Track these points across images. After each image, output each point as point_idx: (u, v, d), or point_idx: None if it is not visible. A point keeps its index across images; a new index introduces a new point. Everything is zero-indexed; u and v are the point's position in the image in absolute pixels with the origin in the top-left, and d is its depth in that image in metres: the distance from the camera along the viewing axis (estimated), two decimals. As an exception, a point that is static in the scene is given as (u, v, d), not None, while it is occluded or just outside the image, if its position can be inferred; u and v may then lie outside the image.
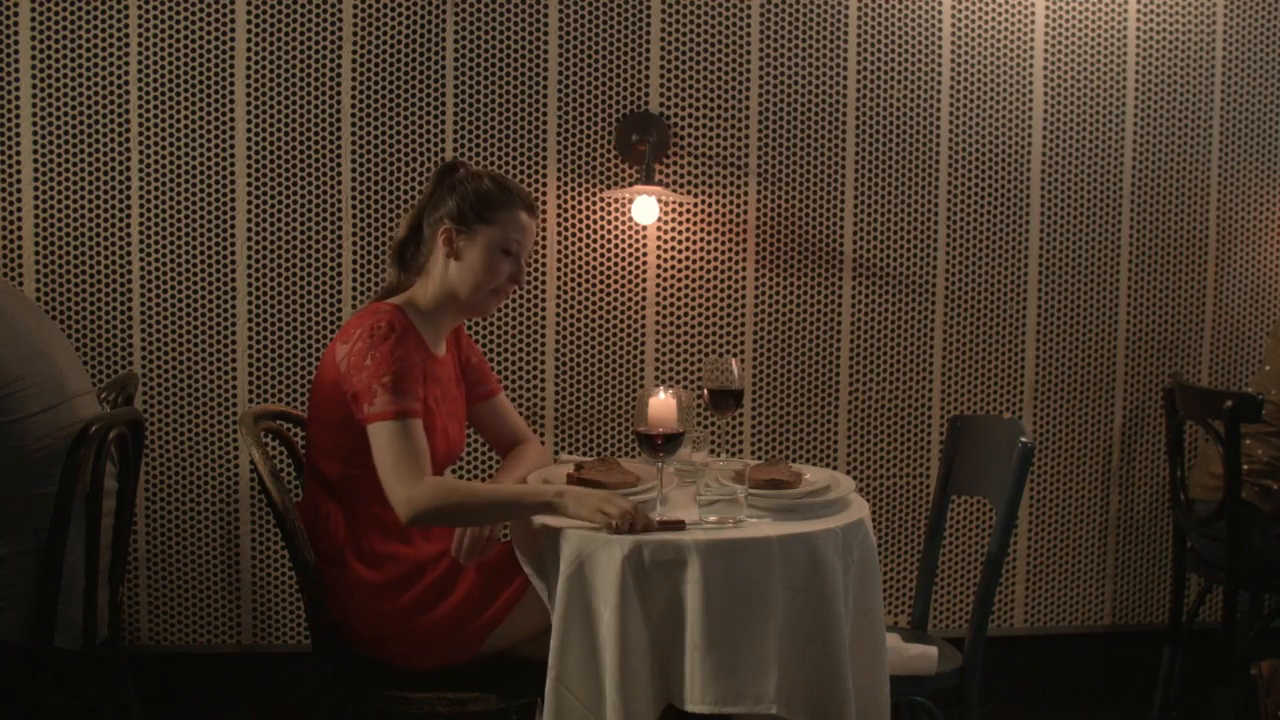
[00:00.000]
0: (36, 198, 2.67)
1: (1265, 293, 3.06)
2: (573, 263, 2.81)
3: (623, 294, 2.84)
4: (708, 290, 2.86)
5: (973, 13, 2.90)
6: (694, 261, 2.85)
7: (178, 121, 2.69)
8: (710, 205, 2.85)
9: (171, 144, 2.69)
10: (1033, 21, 2.92)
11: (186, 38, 2.68)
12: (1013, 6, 2.91)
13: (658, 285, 2.85)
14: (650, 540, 1.67)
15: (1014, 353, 2.98)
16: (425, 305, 1.99)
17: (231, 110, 2.70)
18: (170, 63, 2.68)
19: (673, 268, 2.85)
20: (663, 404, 1.79)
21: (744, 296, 2.88)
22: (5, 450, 1.78)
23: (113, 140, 2.68)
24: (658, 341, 2.86)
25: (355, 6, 2.72)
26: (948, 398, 2.96)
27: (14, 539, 1.79)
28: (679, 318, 2.86)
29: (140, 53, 2.67)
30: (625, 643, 1.65)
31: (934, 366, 2.95)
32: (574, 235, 2.80)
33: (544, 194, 2.79)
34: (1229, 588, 2.55)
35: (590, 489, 1.81)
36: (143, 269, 2.71)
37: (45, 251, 2.68)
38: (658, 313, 2.85)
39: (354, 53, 2.73)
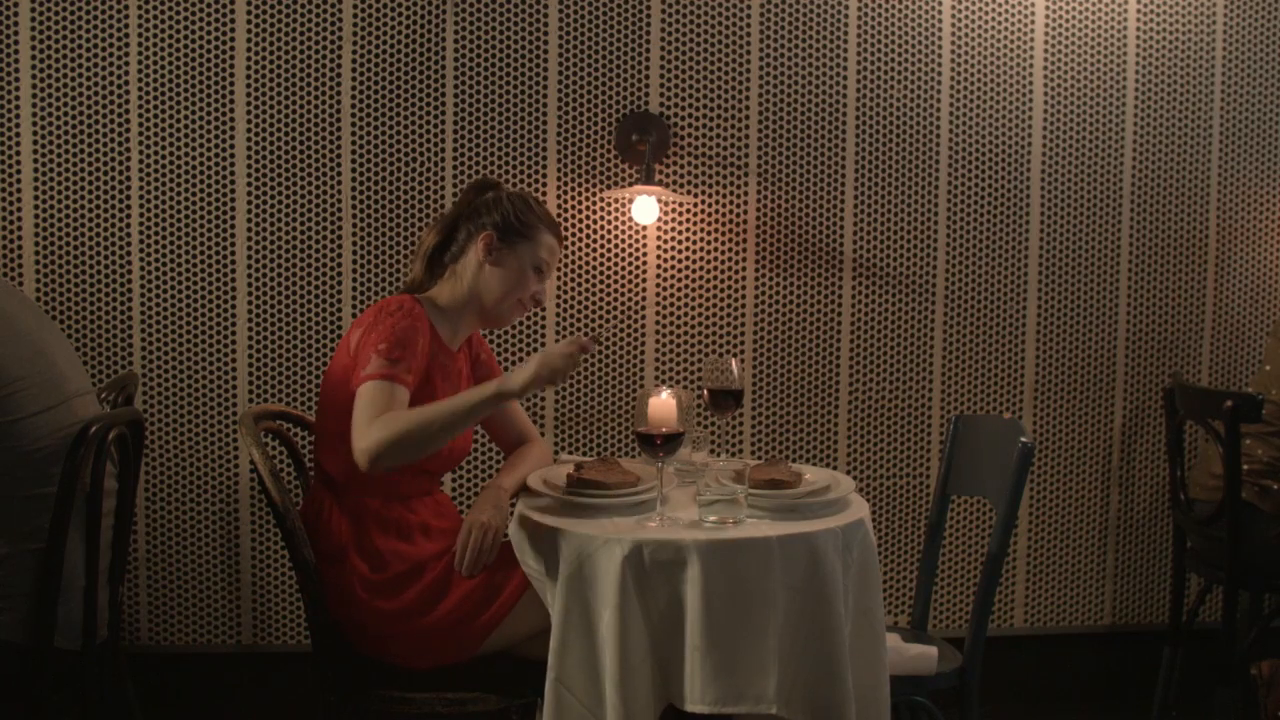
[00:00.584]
0: (36, 198, 2.67)
1: (1265, 293, 3.06)
2: (573, 263, 2.81)
3: (623, 294, 2.84)
4: (708, 290, 2.86)
5: (973, 13, 2.90)
6: (694, 261, 2.86)
7: (178, 121, 2.69)
8: (710, 205, 2.85)
9: (171, 144, 2.69)
10: (1033, 21, 2.92)
11: (186, 38, 2.68)
12: (1013, 6, 2.91)
13: (658, 285, 2.85)
14: (650, 540, 1.67)
15: (1014, 353, 2.98)
16: (445, 303, 2.05)
17: (231, 110, 2.70)
18: (170, 63, 2.68)
19: (673, 268, 2.85)
20: (663, 404, 1.79)
21: (744, 296, 2.88)
22: (5, 450, 1.78)
23: (113, 140, 2.68)
24: (658, 341, 2.86)
25: (355, 6, 2.72)
26: (948, 398, 2.96)
27: (14, 539, 1.79)
28: (679, 318, 2.86)
29: (140, 53, 2.67)
30: (625, 643, 1.65)
31: (934, 366, 2.95)
32: (574, 235, 2.80)
33: (544, 194, 2.79)
34: (1229, 588, 2.55)
35: (532, 357, 1.83)
36: (143, 269, 2.71)
37: (45, 251, 2.68)
38: (658, 313, 2.85)
39: (354, 53, 2.73)
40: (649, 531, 1.71)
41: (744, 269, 2.87)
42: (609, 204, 2.81)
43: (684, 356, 2.86)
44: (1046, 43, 2.93)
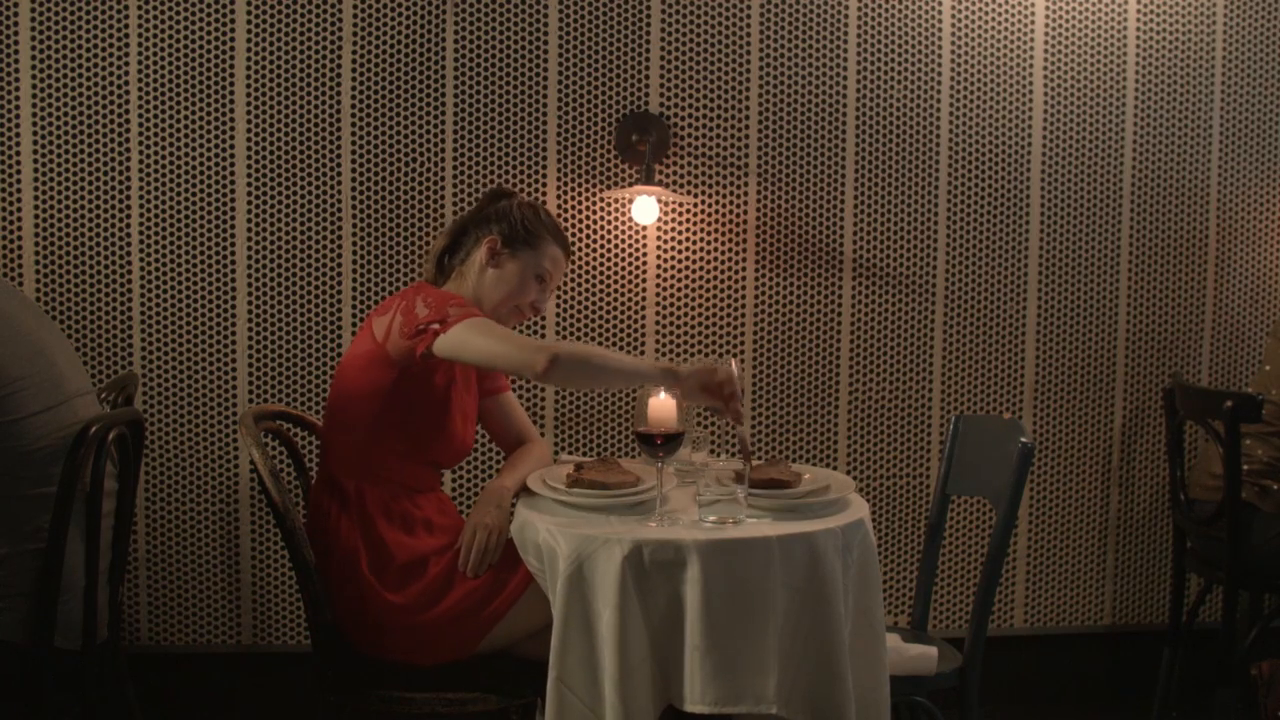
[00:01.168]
0: (36, 198, 2.67)
1: (1265, 293, 3.06)
2: (573, 263, 2.81)
3: (623, 294, 2.84)
4: (708, 290, 2.86)
5: (973, 13, 2.90)
6: (694, 261, 2.86)
7: (178, 121, 2.69)
8: (710, 205, 2.85)
9: (171, 144, 2.69)
10: (1033, 21, 2.92)
11: (186, 38, 2.68)
12: (1013, 6, 2.91)
13: (658, 285, 2.85)
14: (650, 540, 1.67)
15: (1014, 353, 2.98)
16: None
17: (231, 110, 2.70)
18: (170, 63, 2.68)
19: (673, 268, 2.85)
20: (663, 404, 1.79)
21: (744, 296, 2.88)
22: (5, 450, 1.78)
23: (113, 140, 2.68)
24: (658, 341, 2.86)
25: (355, 6, 2.72)
26: (948, 398, 2.96)
27: (14, 539, 1.79)
28: (679, 318, 2.86)
29: (140, 53, 2.67)
30: (625, 643, 1.65)
31: (934, 366, 2.95)
32: (574, 235, 2.80)
33: (544, 194, 2.79)
34: (1229, 588, 2.55)
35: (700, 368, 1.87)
36: (143, 269, 2.71)
37: (45, 251, 2.68)
38: (658, 313, 2.85)
39: (354, 53, 2.73)
40: (649, 531, 1.71)
41: (744, 269, 2.87)
42: (609, 204, 2.81)
43: (684, 357, 2.86)
44: (1046, 43, 2.93)
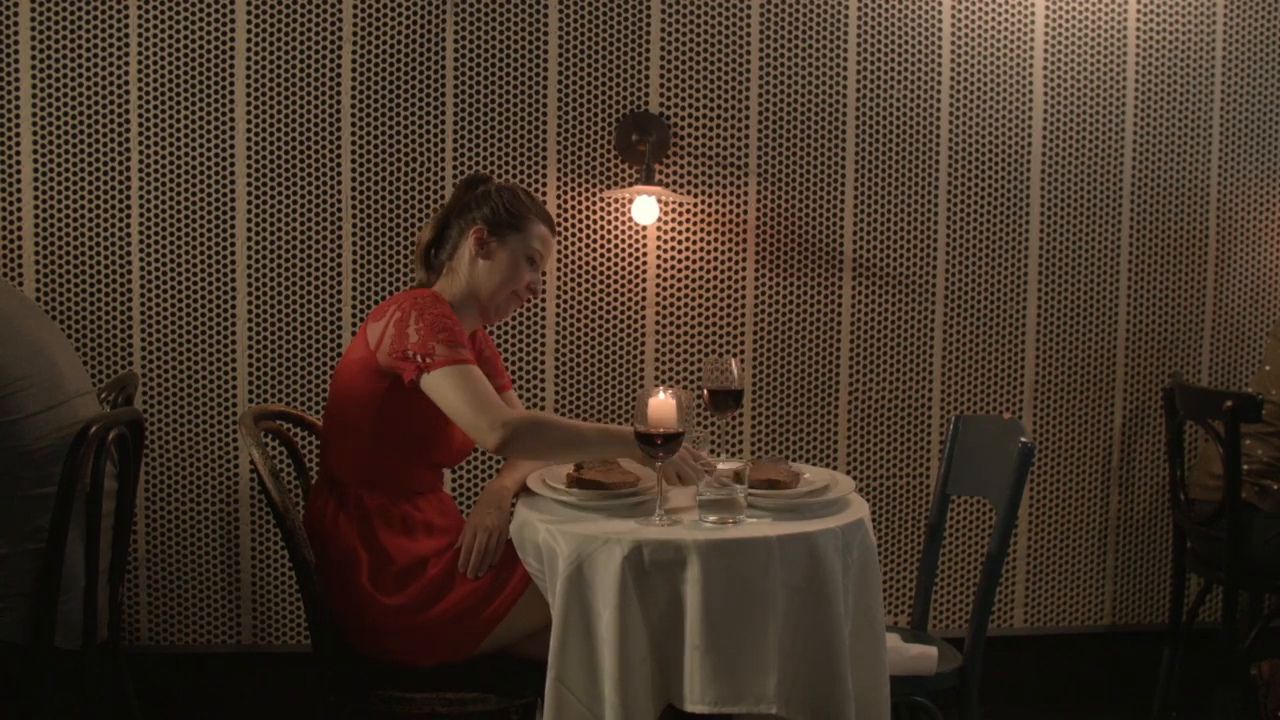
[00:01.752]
0: (36, 198, 2.67)
1: (1265, 293, 3.06)
2: (573, 263, 2.81)
3: (623, 294, 2.84)
4: (708, 290, 2.86)
5: (973, 13, 2.90)
6: (694, 261, 2.86)
7: (178, 121, 2.69)
8: (710, 205, 2.85)
9: (171, 144, 2.69)
10: (1033, 21, 2.92)
11: (186, 38, 2.68)
12: (1013, 6, 2.91)
13: (658, 285, 2.85)
14: (650, 540, 1.67)
15: (1014, 353, 2.98)
16: (449, 299, 2.06)
17: (231, 110, 2.70)
18: (170, 63, 2.68)
19: (673, 268, 2.85)
20: (662, 404, 1.79)
21: (744, 296, 2.88)
22: (5, 450, 1.78)
23: (113, 140, 2.68)
24: (658, 341, 2.86)
25: (355, 6, 2.72)
26: (948, 398, 2.96)
27: (14, 539, 1.79)
28: (679, 318, 2.86)
29: (140, 53, 2.67)
30: (625, 643, 1.65)
31: (934, 366, 2.95)
32: (574, 235, 2.80)
33: (544, 194, 2.79)
34: (1229, 588, 2.55)
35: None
36: (143, 269, 2.71)
37: (45, 251, 2.68)
38: (658, 313, 2.85)
39: (354, 53, 2.73)
40: (649, 531, 1.71)
41: (744, 269, 2.87)
42: (609, 204, 2.81)
43: (684, 356, 2.86)
44: (1046, 43, 2.93)
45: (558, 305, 2.81)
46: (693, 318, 2.86)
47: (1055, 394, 3.00)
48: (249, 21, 2.69)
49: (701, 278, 2.86)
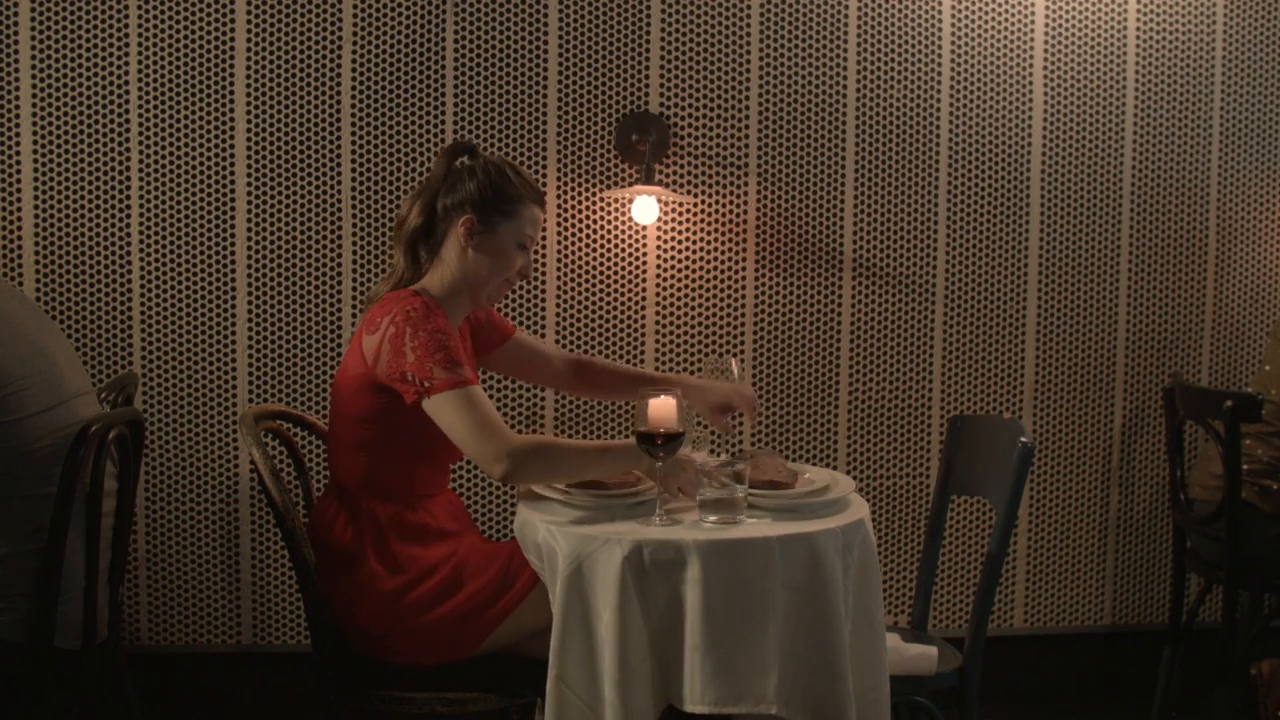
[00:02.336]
0: (36, 198, 2.67)
1: (1265, 293, 3.06)
2: (573, 263, 2.81)
3: (623, 294, 2.84)
4: (708, 290, 2.86)
5: (973, 13, 2.90)
6: (694, 261, 2.86)
7: (178, 121, 2.69)
8: (710, 205, 2.85)
9: (171, 144, 2.69)
10: (1033, 21, 2.92)
11: (186, 38, 2.68)
12: (1013, 6, 2.91)
13: (658, 285, 2.85)
14: (650, 540, 1.67)
15: (1014, 353, 2.98)
16: (439, 292, 1.99)
17: (231, 110, 2.70)
18: (170, 63, 2.68)
19: (673, 268, 2.85)
20: (663, 404, 1.79)
21: (744, 296, 2.88)
22: (5, 450, 1.78)
23: (113, 140, 2.68)
24: (658, 341, 2.86)
25: (355, 6, 2.72)
26: (948, 398, 2.96)
27: (14, 539, 1.79)
28: (679, 318, 2.86)
29: (140, 53, 2.67)
30: (625, 643, 1.65)
31: (934, 366, 2.95)
32: (574, 235, 2.80)
33: (544, 194, 2.78)
34: (1229, 588, 2.55)
35: (677, 461, 1.85)
36: (143, 269, 2.71)
37: (45, 251, 2.68)
38: (658, 313, 2.85)
39: (354, 53, 2.73)
40: (649, 531, 1.71)
41: (744, 269, 2.87)
42: (609, 204, 2.81)
43: (684, 356, 2.86)
44: (1046, 43, 2.93)
45: (558, 305, 2.82)
46: (693, 317, 2.86)
47: (1055, 394, 3.00)
48: (249, 21, 2.69)
49: (701, 278, 2.86)
